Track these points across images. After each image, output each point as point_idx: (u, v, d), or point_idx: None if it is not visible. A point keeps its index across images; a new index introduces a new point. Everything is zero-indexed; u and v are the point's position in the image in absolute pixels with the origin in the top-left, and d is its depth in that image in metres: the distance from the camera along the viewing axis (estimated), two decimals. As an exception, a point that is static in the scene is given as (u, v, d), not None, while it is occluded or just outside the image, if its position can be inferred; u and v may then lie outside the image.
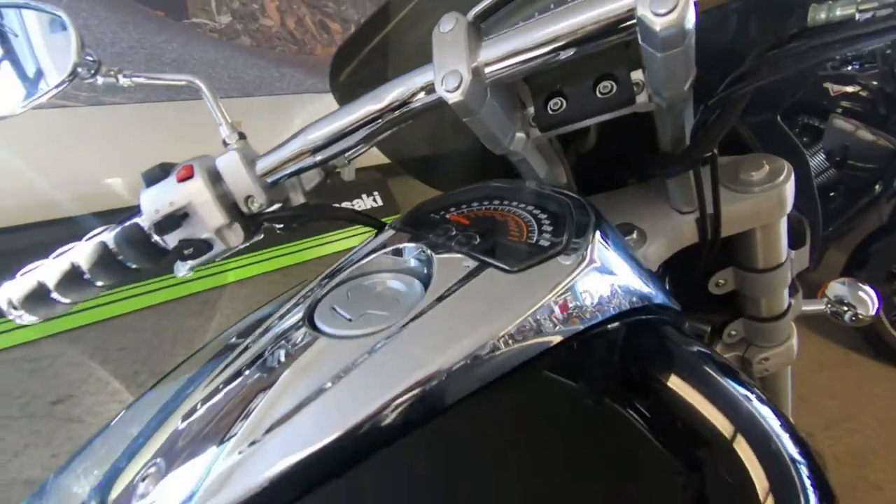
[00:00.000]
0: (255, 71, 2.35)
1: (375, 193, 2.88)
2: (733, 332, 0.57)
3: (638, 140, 0.43)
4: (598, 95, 0.35)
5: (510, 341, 0.27)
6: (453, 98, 0.30)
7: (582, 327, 0.29)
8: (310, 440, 0.24)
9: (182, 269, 0.49)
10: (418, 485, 0.25)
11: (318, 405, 0.25)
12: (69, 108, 1.97)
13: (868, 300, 0.61)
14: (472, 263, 0.31)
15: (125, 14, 1.93)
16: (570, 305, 0.29)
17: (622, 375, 0.31)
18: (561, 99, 0.36)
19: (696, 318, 0.60)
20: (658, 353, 0.33)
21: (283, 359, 0.29)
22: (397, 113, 0.35)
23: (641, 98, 0.34)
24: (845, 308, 0.62)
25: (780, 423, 0.30)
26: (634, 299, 0.33)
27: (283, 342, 0.31)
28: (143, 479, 0.26)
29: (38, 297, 0.39)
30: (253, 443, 0.25)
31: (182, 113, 1.96)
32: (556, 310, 0.29)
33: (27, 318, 0.40)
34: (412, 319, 0.28)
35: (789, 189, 0.44)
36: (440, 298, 0.29)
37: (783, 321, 0.54)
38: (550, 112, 0.36)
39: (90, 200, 1.98)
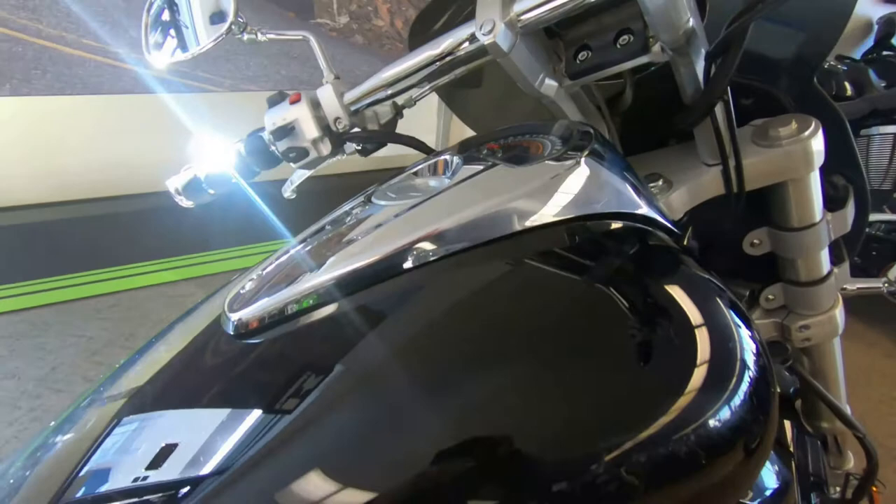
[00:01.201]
0: (365, 67, 2.63)
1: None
2: (770, 297, 0.56)
3: (671, 100, 0.48)
4: (618, 47, 0.43)
5: (502, 214, 0.36)
6: (487, 40, 0.40)
7: (564, 217, 0.36)
8: (361, 258, 0.36)
9: (288, 190, 0.64)
10: (421, 305, 0.35)
11: (363, 243, 0.37)
12: (217, 92, 2.36)
13: None
14: (488, 164, 0.41)
15: (265, 14, 2.34)
16: (555, 197, 0.37)
17: (595, 261, 0.37)
18: (587, 52, 0.45)
19: (737, 284, 0.61)
20: (635, 251, 0.38)
21: (349, 221, 0.42)
22: (448, 58, 0.45)
23: (655, 49, 0.41)
24: None
25: (735, 318, 0.35)
26: (619, 206, 0.39)
27: (353, 211, 0.43)
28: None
29: (193, 187, 0.55)
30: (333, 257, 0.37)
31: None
32: (544, 198, 0.36)
33: (185, 203, 0.57)
34: (432, 196, 0.38)
35: (815, 143, 0.45)
36: (457, 183, 0.39)
37: (823, 287, 0.54)
38: (578, 62, 0.45)
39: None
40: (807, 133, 0.46)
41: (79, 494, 0.32)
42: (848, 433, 0.64)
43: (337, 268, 0.36)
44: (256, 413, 0.32)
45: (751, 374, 0.33)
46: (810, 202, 0.49)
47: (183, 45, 0.55)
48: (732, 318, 0.35)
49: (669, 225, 0.42)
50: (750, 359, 0.34)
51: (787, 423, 0.75)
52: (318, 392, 0.31)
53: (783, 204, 0.50)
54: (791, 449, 0.73)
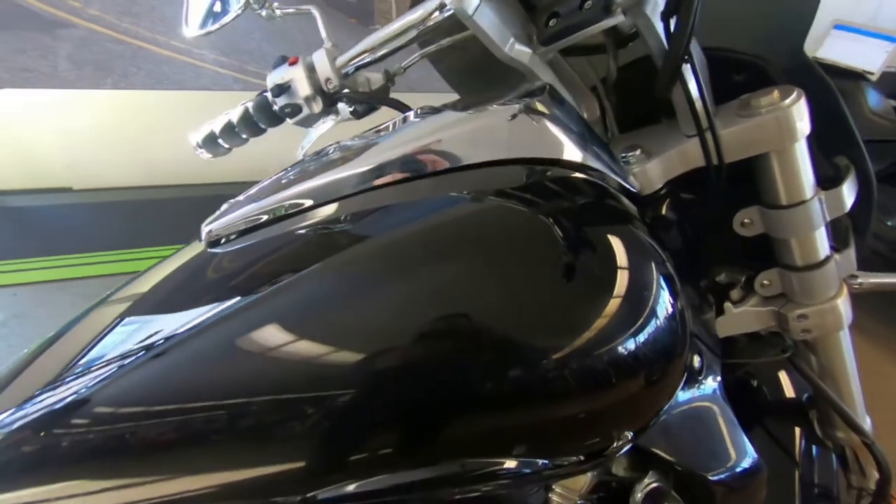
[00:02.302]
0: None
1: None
2: (766, 282, 0.54)
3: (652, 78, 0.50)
4: (583, 10, 0.46)
5: (455, 144, 0.40)
6: (454, 4, 0.44)
7: (501, 157, 0.39)
8: (319, 180, 0.41)
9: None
10: (370, 222, 0.39)
11: (324, 169, 0.43)
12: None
13: None
14: (440, 111, 0.45)
15: (331, 20, 2.53)
16: (504, 137, 0.40)
17: (531, 196, 0.39)
18: (556, 18, 0.48)
19: (734, 270, 0.60)
20: (572, 195, 0.40)
21: (311, 162, 0.47)
22: (424, 24, 0.49)
23: (617, 11, 0.43)
24: None
25: (658, 270, 0.37)
26: (562, 154, 0.41)
27: (316, 156, 0.49)
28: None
29: (209, 141, 0.63)
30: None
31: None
32: (498, 136, 0.40)
33: (204, 155, 0.65)
34: (383, 138, 0.44)
35: (796, 112, 0.44)
36: (408, 126, 0.44)
37: (821, 273, 0.51)
38: (549, 28, 0.48)
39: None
40: (787, 101, 0.45)
41: (77, 371, 0.39)
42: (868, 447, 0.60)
43: (293, 190, 0.41)
44: (217, 301, 0.37)
45: (659, 321, 0.36)
46: (797, 177, 0.47)
47: (211, 19, 0.63)
48: (655, 269, 0.37)
49: (620, 180, 0.43)
50: (662, 307, 0.36)
51: (798, 430, 0.71)
52: (275, 279, 0.36)
53: (770, 179, 0.49)
54: (797, 458, 0.70)
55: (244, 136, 0.62)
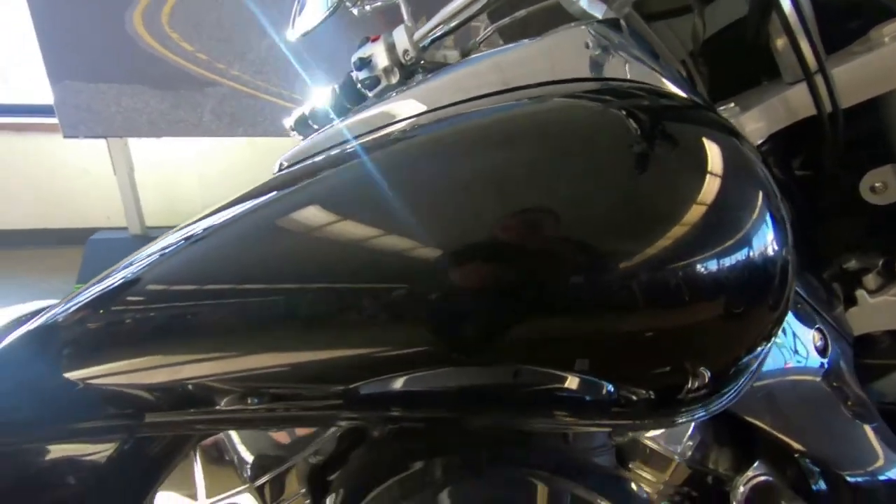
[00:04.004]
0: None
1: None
2: None
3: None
4: None
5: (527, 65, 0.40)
6: None
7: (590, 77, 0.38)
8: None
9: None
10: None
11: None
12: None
13: None
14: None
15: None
16: (576, 58, 0.39)
17: (614, 99, 0.35)
18: None
19: (866, 252, 0.51)
20: (657, 110, 0.35)
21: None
22: None
23: None
24: None
25: (759, 179, 0.33)
26: (635, 76, 0.39)
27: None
28: None
29: (301, 123, 0.69)
30: None
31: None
32: (569, 57, 0.39)
33: (297, 137, 0.71)
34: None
35: None
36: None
37: None
38: None
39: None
40: None
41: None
42: None
43: (363, 115, 0.43)
44: (272, 190, 0.38)
45: (752, 249, 0.31)
46: None
47: (310, 20, 0.71)
48: (758, 189, 0.32)
49: (693, 97, 0.40)
50: (759, 234, 0.31)
51: None
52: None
53: None
54: None
55: (331, 116, 0.67)
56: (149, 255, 0.38)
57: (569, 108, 0.34)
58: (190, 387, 0.33)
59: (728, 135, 0.33)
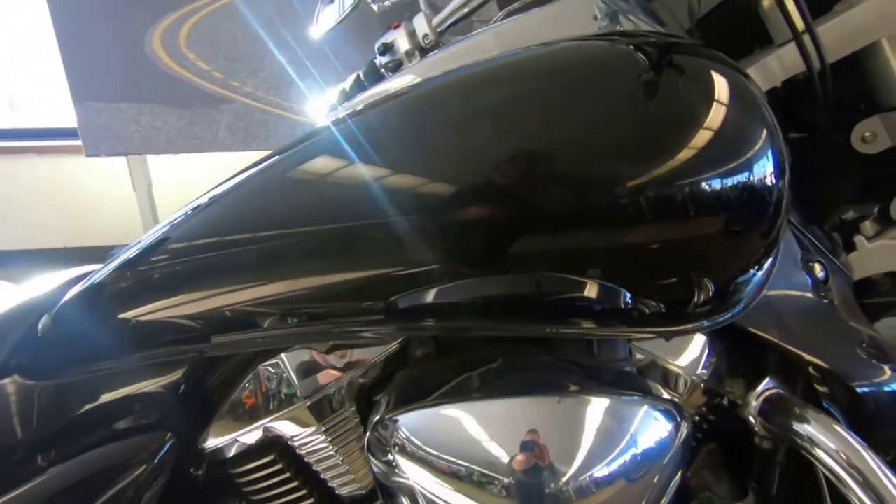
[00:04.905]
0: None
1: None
2: None
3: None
4: None
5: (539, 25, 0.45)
6: None
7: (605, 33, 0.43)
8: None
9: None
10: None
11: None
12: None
13: None
14: None
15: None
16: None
17: (622, 41, 0.39)
18: None
19: (861, 202, 0.55)
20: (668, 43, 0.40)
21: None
22: None
23: None
24: None
25: (759, 109, 0.37)
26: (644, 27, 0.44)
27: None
28: None
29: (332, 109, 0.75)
30: None
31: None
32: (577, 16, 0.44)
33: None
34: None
35: None
36: None
37: None
38: None
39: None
40: None
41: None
42: None
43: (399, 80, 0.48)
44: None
45: (752, 172, 0.35)
46: None
47: (333, 16, 0.77)
48: (759, 118, 0.36)
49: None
50: (758, 158, 0.35)
51: None
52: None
53: (886, 73, 0.44)
54: None
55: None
56: (191, 209, 0.44)
57: (580, 47, 0.39)
58: (249, 308, 0.38)
59: (736, 71, 0.37)
